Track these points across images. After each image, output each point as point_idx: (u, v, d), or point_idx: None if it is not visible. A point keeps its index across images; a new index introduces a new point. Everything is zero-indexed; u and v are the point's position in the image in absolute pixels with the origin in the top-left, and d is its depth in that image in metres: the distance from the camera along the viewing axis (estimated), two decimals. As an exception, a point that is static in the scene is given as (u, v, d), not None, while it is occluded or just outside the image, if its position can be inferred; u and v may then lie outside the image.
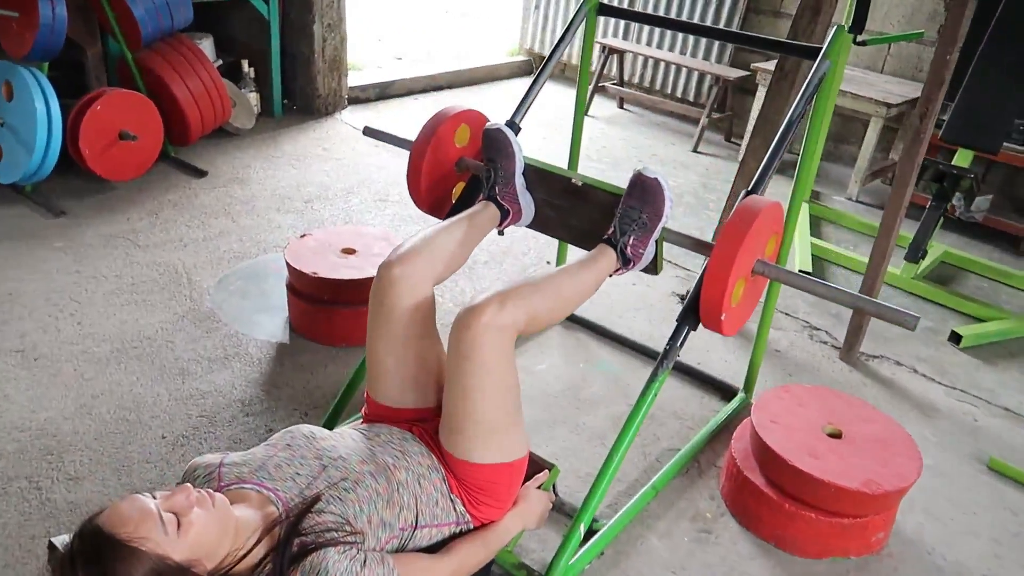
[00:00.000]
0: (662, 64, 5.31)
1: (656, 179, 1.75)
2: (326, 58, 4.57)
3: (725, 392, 2.51)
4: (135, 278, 2.82)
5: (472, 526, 1.63)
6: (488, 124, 1.99)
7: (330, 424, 2.05)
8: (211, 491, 1.30)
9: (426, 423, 1.72)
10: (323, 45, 4.52)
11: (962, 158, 3.34)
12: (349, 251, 2.60)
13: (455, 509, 1.60)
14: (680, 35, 5.17)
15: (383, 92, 5.17)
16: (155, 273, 2.86)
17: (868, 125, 4.13)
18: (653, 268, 1.87)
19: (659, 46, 5.31)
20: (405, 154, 2.13)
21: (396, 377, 1.71)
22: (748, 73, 4.70)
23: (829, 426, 2.00)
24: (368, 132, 2.36)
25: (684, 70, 5.22)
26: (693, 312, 1.77)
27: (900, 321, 1.60)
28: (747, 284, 1.76)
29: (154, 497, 1.23)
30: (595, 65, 5.32)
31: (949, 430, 2.46)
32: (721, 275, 1.65)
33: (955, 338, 2.95)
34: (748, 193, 1.83)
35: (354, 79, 4.97)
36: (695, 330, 1.78)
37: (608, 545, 1.87)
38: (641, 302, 3.03)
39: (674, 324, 1.78)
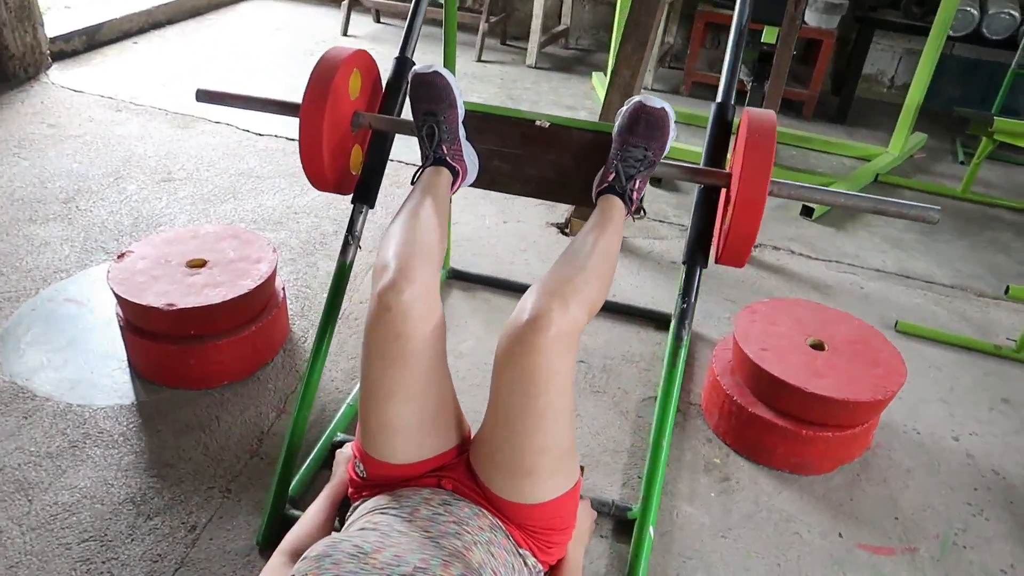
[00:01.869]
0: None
1: (663, 108, 1.47)
2: (10, 6, 3.47)
3: (658, 322, 2.38)
4: None
5: (544, 572, 1.35)
6: (417, 68, 1.55)
7: (292, 500, 1.60)
8: None
9: (452, 469, 1.36)
10: (2, -13, 3.42)
11: (769, 35, 3.43)
12: (197, 264, 2.00)
13: (527, 564, 1.31)
14: (433, -66, 4.71)
15: (93, 39, 4.11)
16: None
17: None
18: (640, 211, 1.62)
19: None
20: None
21: (416, 427, 1.31)
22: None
23: (810, 338, 1.95)
24: (203, 97, 1.73)
25: (442, -27, 4.80)
26: (702, 251, 1.55)
27: (924, 217, 1.53)
28: None
29: None
30: (344, -23, 4.69)
31: (849, 303, 2.58)
32: (756, 204, 1.43)
33: (807, 211, 3.10)
34: (721, 106, 1.61)
35: (52, 27, 3.87)
36: (706, 268, 1.58)
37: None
38: (523, 242, 2.77)
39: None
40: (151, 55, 4.18)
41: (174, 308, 1.83)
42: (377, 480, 1.36)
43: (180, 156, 3.10)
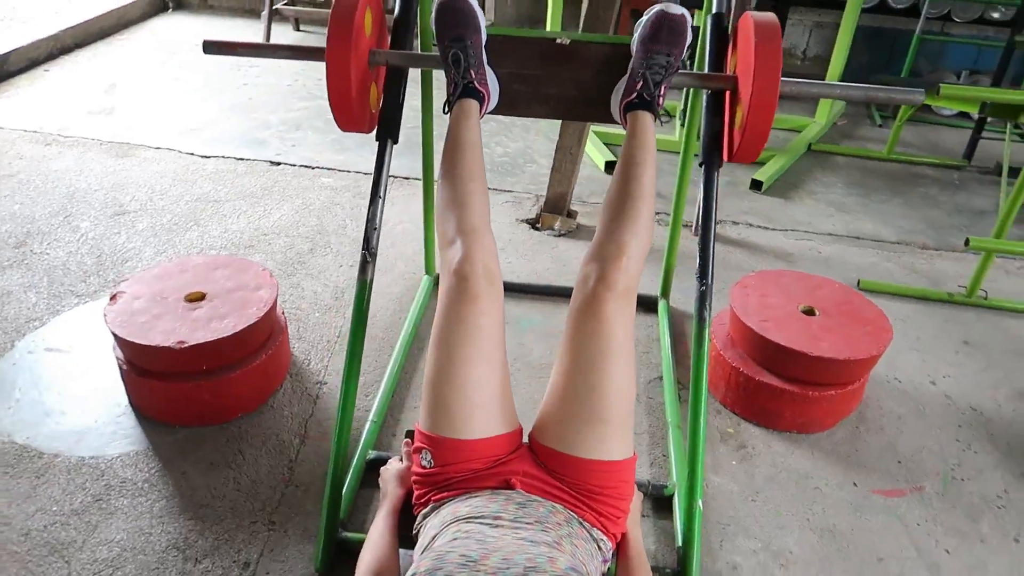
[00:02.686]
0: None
1: (683, 14, 1.56)
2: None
3: (646, 305, 2.47)
4: None
5: (612, 551, 1.42)
6: None
7: (342, 523, 1.60)
8: None
9: (516, 463, 1.42)
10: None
11: (699, 19, 3.56)
12: (196, 297, 1.95)
13: (600, 549, 1.38)
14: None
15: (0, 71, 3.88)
16: None
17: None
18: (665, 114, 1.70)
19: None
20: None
21: (491, 395, 1.41)
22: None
23: (802, 306, 2.08)
24: (212, 48, 1.69)
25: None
26: (717, 151, 1.64)
27: (909, 99, 1.62)
28: None
29: None
30: (260, -13, 4.58)
31: (813, 268, 2.74)
32: (769, 100, 1.48)
33: (756, 185, 3.26)
34: (717, 16, 1.69)
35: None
36: (721, 167, 1.67)
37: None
38: (498, 240, 2.80)
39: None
40: (66, 82, 3.97)
41: (185, 345, 1.79)
42: (447, 468, 1.38)
43: (128, 187, 2.98)
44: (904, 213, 3.22)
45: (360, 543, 1.57)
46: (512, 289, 2.50)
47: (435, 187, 1.63)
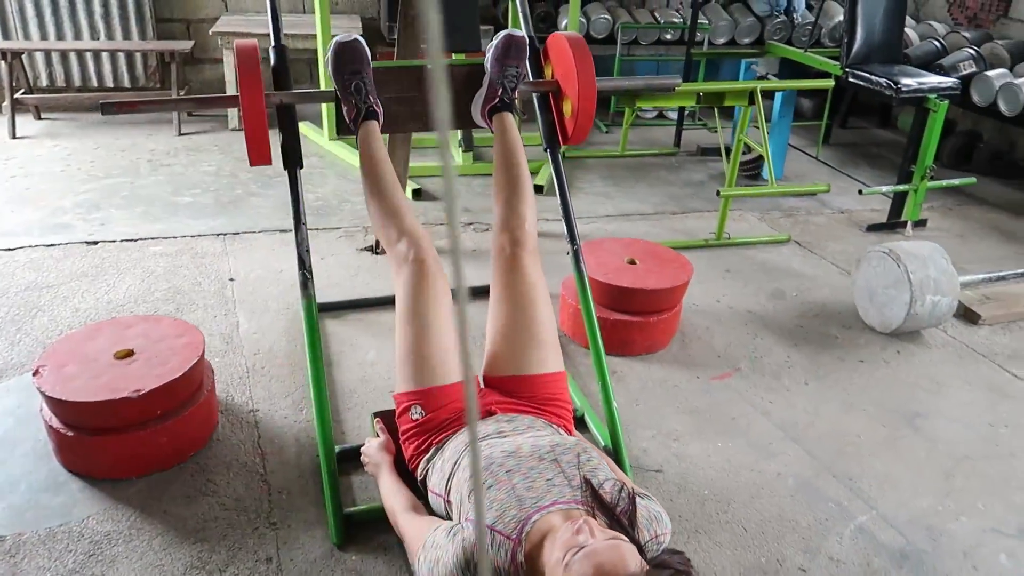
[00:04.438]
0: (79, 55, 4.66)
1: (523, 35, 2.07)
2: None
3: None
4: None
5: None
6: (339, 38, 1.98)
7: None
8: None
9: (486, 397, 1.82)
10: None
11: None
12: (124, 354, 2.04)
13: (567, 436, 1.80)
14: (85, 18, 4.56)
15: None
16: None
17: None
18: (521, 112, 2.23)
19: (69, 36, 4.61)
20: None
21: (454, 348, 1.77)
22: (193, 42, 4.55)
23: (626, 258, 2.69)
24: (110, 108, 2.00)
25: (108, 55, 4.69)
26: (554, 136, 2.22)
27: (666, 87, 2.34)
28: None
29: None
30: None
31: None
32: (591, 94, 2.07)
33: (538, 189, 3.89)
34: (530, 37, 2.24)
35: None
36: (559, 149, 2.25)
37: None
38: (349, 269, 3.10)
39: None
40: None
41: (143, 392, 1.90)
42: (438, 413, 1.73)
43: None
44: (650, 192, 4.07)
45: (364, 512, 1.85)
46: (381, 303, 2.82)
47: (369, 199, 1.95)
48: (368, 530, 1.84)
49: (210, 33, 4.47)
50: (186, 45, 4.55)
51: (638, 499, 1.44)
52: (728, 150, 4.66)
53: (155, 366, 1.99)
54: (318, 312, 2.71)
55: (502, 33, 2.07)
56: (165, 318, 2.22)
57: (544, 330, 1.85)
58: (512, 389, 1.82)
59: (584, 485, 1.44)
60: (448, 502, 1.61)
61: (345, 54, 1.96)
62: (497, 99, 2.09)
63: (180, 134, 4.51)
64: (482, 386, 1.87)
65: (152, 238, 3.25)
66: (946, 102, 3.50)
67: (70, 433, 1.92)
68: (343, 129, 2.10)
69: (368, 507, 1.87)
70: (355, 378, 2.42)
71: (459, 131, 4.13)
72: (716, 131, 4.49)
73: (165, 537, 1.81)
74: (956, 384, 2.58)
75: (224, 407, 2.25)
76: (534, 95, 2.25)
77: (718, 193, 3.20)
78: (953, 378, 2.61)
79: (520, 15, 2.34)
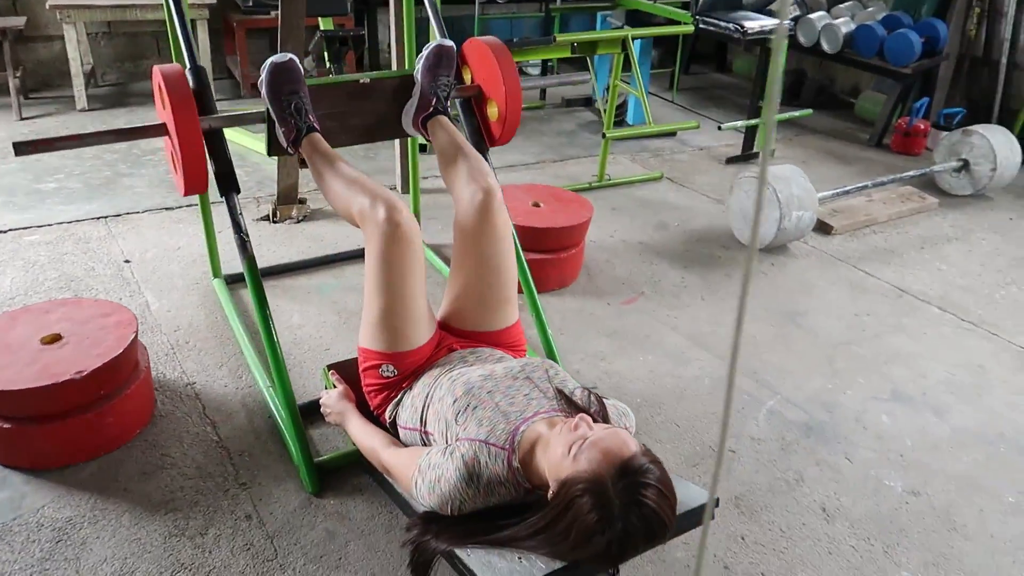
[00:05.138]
0: None
1: (451, 45, 2.12)
2: None
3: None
4: None
5: None
6: (275, 58, 1.93)
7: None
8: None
9: (446, 339, 1.90)
10: None
11: (326, 23, 4.08)
12: (51, 339, 1.95)
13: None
14: None
15: None
16: None
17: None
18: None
19: None
20: None
21: (425, 310, 1.82)
22: (25, 18, 4.18)
23: (531, 202, 2.84)
24: (25, 149, 1.81)
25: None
26: (480, 139, 2.28)
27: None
28: None
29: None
30: None
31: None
32: (518, 96, 2.18)
33: (423, 148, 3.95)
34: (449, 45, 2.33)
35: None
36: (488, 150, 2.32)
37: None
38: (254, 239, 3.04)
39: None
40: None
41: (85, 373, 1.84)
42: (406, 371, 1.80)
43: None
44: (528, 144, 4.24)
45: (332, 461, 1.92)
46: (294, 268, 2.83)
47: (328, 186, 1.91)
48: (340, 476, 1.91)
49: (47, 7, 4.12)
50: (18, 22, 4.17)
51: (604, 400, 1.61)
52: (590, 100, 4.94)
53: (90, 347, 1.92)
54: (229, 284, 2.71)
55: (432, 44, 2.09)
56: (85, 300, 2.13)
57: (511, 285, 1.90)
58: (474, 339, 1.90)
59: (558, 395, 1.59)
60: (425, 432, 1.70)
61: (282, 75, 1.91)
62: (431, 108, 2.12)
63: (22, 119, 4.15)
64: (439, 332, 1.93)
65: (24, 228, 3.03)
66: (786, 41, 3.89)
67: (6, 425, 1.83)
68: (275, 150, 2.03)
69: (335, 455, 1.93)
70: (286, 341, 2.43)
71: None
72: (578, 84, 4.73)
73: (133, 513, 1.79)
74: (823, 285, 2.96)
75: (158, 384, 2.20)
76: (457, 101, 2.29)
77: (604, 136, 3.41)
78: (820, 280, 2.99)
79: (435, 23, 2.34)
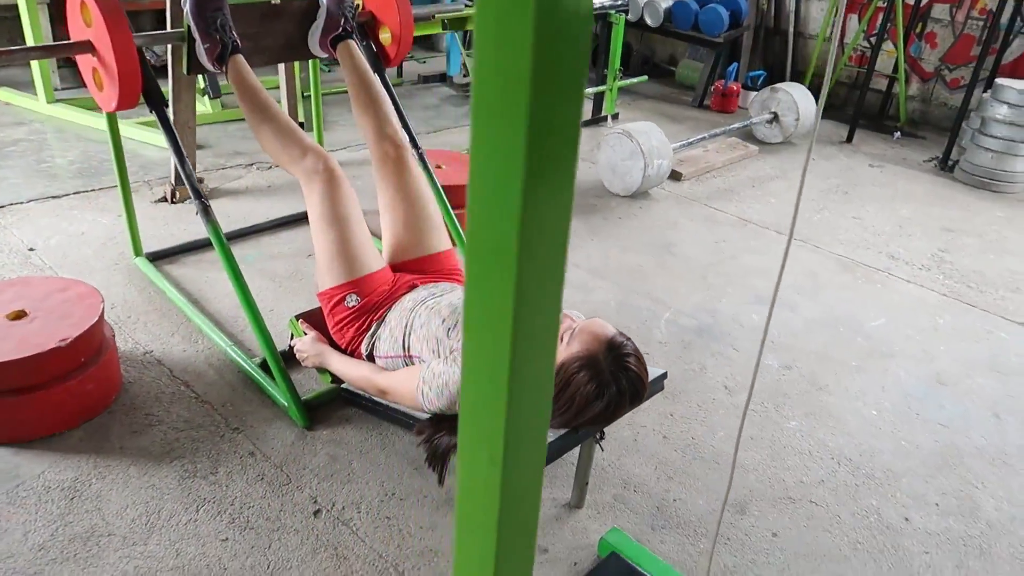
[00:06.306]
0: None
1: None
2: None
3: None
4: None
5: None
6: None
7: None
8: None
9: (404, 276, 2.16)
10: None
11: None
12: (17, 315, 1.98)
13: None
14: None
15: None
16: None
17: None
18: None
19: None
20: None
21: (370, 239, 2.07)
22: None
23: (433, 164, 3.10)
24: None
25: None
26: (378, 61, 2.57)
27: (425, 14, 2.81)
28: None
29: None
30: None
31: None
32: (410, 20, 2.50)
33: (300, 125, 4.06)
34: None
35: None
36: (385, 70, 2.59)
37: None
38: (157, 220, 3.06)
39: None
40: None
41: (68, 340, 1.90)
42: (371, 296, 2.04)
43: None
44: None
45: (316, 398, 2.12)
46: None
47: (260, 130, 2.09)
48: (325, 412, 2.11)
49: None
50: None
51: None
52: (444, 76, 5.22)
53: (60, 319, 1.98)
54: (153, 262, 2.75)
55: None
56: (34, 278, 2.14)
57: (437, 215, 2.21)
58: (422, 268, 2.17)
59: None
60: (409, 356, 1.94)
61: None
62: (340, 29, 2.34)
63: None
64: (393, 274, 2.18)
65: None
66: (623, 15, 4.40)
67: (-11, 401, 1.86)
68: (194, 68, 2.18)
69: (317, 392, 2.13)
70: (230, 306, 2.54)
71: (204, 79, 4.07)
72: (425, 62, 4.99)
73: (138, 465, 1.89)
74: (684, 221, 3.49)
75: (122, 353, 2.26)
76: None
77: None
78: (681, 218, 3.52)
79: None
